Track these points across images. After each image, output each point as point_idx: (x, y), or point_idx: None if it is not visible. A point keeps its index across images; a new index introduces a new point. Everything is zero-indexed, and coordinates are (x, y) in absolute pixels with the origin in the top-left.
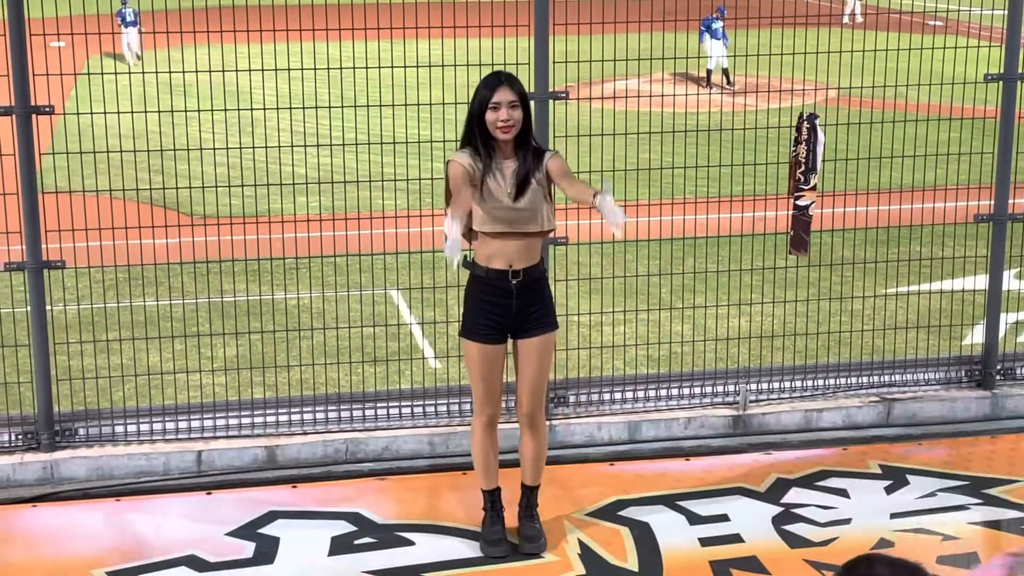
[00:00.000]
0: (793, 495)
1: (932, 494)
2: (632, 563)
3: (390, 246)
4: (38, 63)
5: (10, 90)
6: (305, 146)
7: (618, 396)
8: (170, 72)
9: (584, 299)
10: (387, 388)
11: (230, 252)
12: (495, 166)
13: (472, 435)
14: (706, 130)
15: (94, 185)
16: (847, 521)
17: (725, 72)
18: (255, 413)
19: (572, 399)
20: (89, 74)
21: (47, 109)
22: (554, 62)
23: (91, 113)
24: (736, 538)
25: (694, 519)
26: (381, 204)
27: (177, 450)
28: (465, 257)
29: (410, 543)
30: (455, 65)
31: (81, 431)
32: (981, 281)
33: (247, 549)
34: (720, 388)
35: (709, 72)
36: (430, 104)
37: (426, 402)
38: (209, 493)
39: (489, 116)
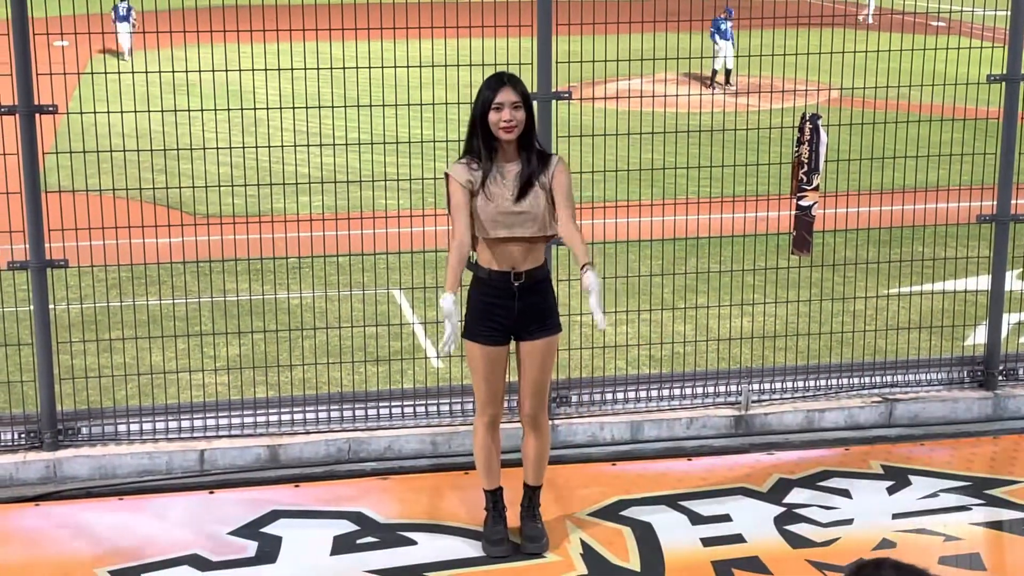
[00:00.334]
0: (795, 495)
1: (934, 495)
2: (634, 563)
3: (393, 246)
4: (41, 62)
5: (14, 89)
6: (308, 146)
7: (620, 396)
8: (173, 72)
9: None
10: (389, 388)
11: (233, 251)
12: (496, 169)
13: (474, 435)
14: (709, 130)
15: (97, 184)
16: (849, 521)
17: (728, 73)
18: (258, 412)
19: (574, 399)
20: (93, 73)
21: (50, 108)
22: (557, 62)
23: (94, 112)
24: (738, 538)
25: (696, 519)
26: (384, 204)
27: (180, 449)
28: (469, 258)
29: (412, 543)
30: (458, 65)
31: (84, 430)
32: (983, 282)
33: (249, 548)
34: (722, 388)
35: (715, 72)
36: (433, 104)
37: (428, 402)
38: (212, 492)
39: (492, 117)
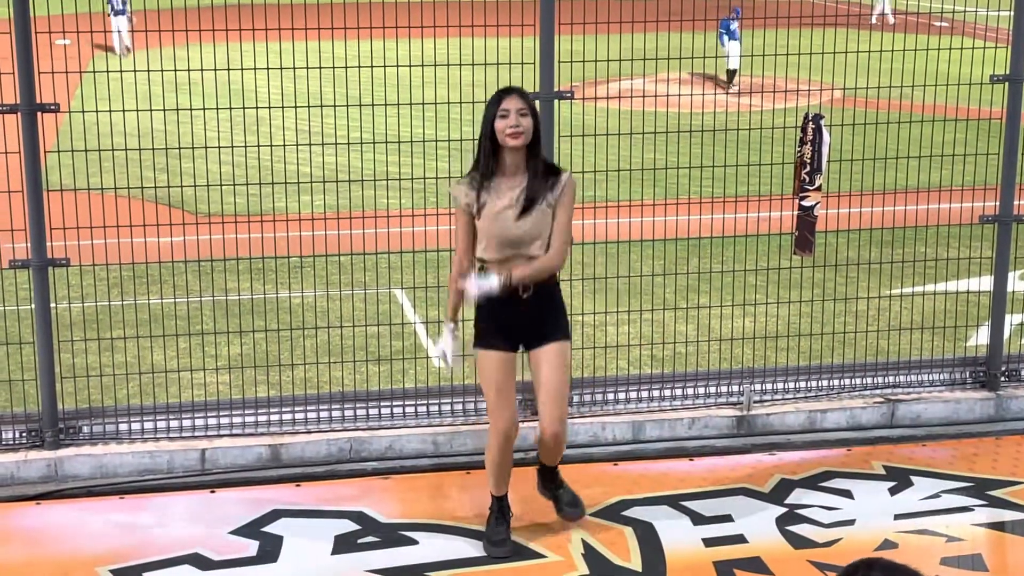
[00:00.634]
0: (797, 496)
1: (936, 495)
2: (636, 563)
3: (394, 245)
4: (43, 61)
5: (15, 88)
6: (310, 145)
7: (622, 396)
8: (175, 70)
9: (588, 299)
10: (391, 387)
11: (235, 250)
12: (499, 183)
13: (488, 447)
14: (711, 130)
15: (99, 183)
16: (851, 522)
17: (732, 73)
18: (259, 412)
19: (576, 399)
20: (95, 72)
21: (52, 107)
22: (559, 61)
23: (96, 111)
24: (740, 539)
25: (698, 519)
26: (386, 203)
27: (181, 448)
28: (480, 267)
29: (413, 542)
30: (460, 64)
31: (85, 429)
32: (986, 282)
33: (251, 548)
34: (724, 388)
35: (731, 72)
36: (435, 103)
37: (430, 401)
38: (213, 491)
39: (499, 124)
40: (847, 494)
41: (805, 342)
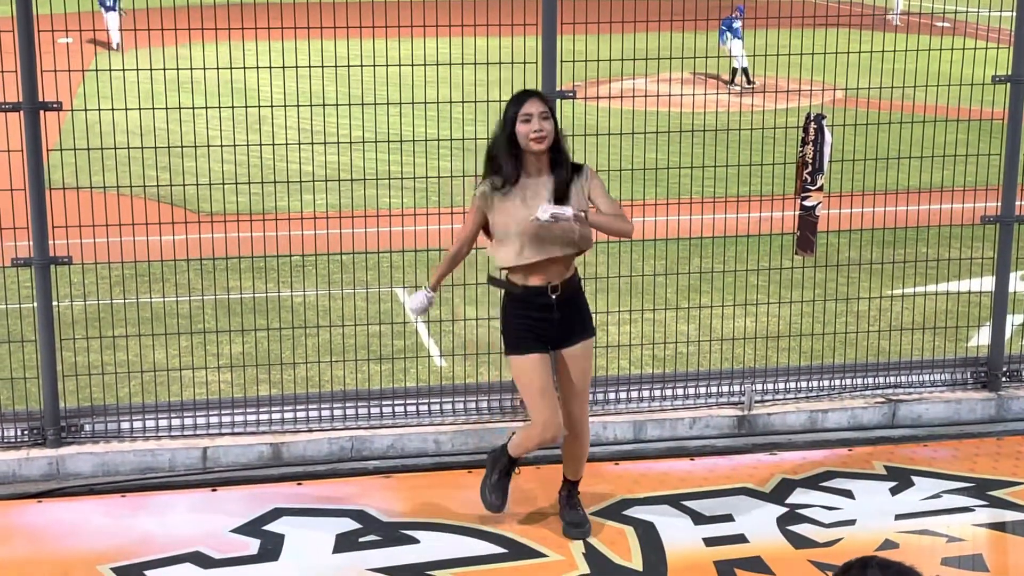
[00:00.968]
0: (798, 496)
1: (937, 495)
2: (636, 562)
3: (396, 244)
4: (46, 59)
5: (18, 86)
6: (312, 144)
7: (623, 396)
8: (178, 69)
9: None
10: (392, 386)
11: (237, 249)
12: (524, 187)
13: (529, 436)
14: (713, 130)
15: (101, 181)
16: (852, 522)
17: (734, 72)
18: (261, 410)
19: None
20: (97, 70)
21: (55, 105)
22: (561, 61)
23: (99, 109)
24: (741, 538)
25: (699, 519)
26: (388, 202)
27: (183, 446)
28: (496, 277)
29: (415, 541)
30: (463, 64)
31: (87, 427)
32: (987, 283)
33: (252, 546)
34: (725, 388)
35: (744, 71)
36: (437, 102)
37: (431, 400)
38: (214, 490)
39: (521, 128)
40: (848, 494)
41: (806, 342)
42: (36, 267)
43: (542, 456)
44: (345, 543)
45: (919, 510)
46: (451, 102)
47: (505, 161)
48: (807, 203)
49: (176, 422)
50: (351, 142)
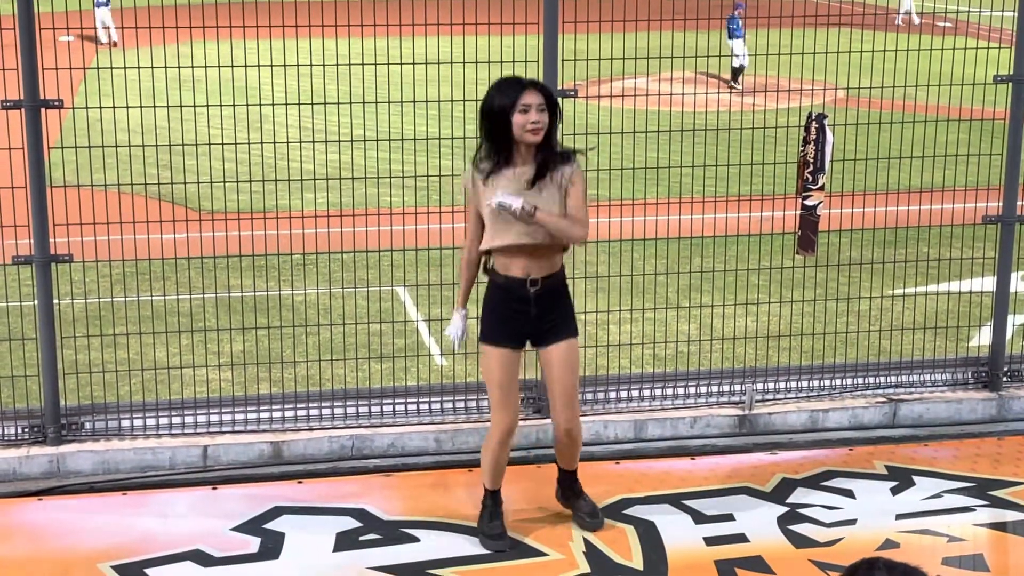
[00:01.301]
0: (798, 495)
1: (938, 495)
2: (637, 562)
3: (397, 243)
4: (47, 57)
5: (19, 84)
6: (313, 142)
7: (624, 395)
8: (179, 67)
9: (590, 298)
10: (393, 385)
11: (237, 248)
12: (508, 173)
13: (487, 440)
14: (714, 129)
15: (102, 179)
16: (852, 522)
17: (734, 71)
18: (261, 409)
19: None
20: (98, 68)
21: (56, 103)
22: (563, 60)
23: (100, 108)
24: (741, 537)
25: (699, 518)
26: (388, 201)
27: (183, 445)
28: (486, 263)
29: (415, 539)
30: (464, 62)
31: (87, 425)
32: (988, 283)
33: (252, 544)
34: (726, 388)
35: (742, 69)
36: (438, 101)
37: (432, 399)
38: (215, 488)
39: (518, 119)
40: (849, 494)
41: (807, 342)
42: (37, 265)
43: (542, 456)
44: (345, 542)
45: (920, 510)
46: (452, 101)
47: (496, 149)
48: (808, 202)
49: (176, 420)
50: (352, 140)
